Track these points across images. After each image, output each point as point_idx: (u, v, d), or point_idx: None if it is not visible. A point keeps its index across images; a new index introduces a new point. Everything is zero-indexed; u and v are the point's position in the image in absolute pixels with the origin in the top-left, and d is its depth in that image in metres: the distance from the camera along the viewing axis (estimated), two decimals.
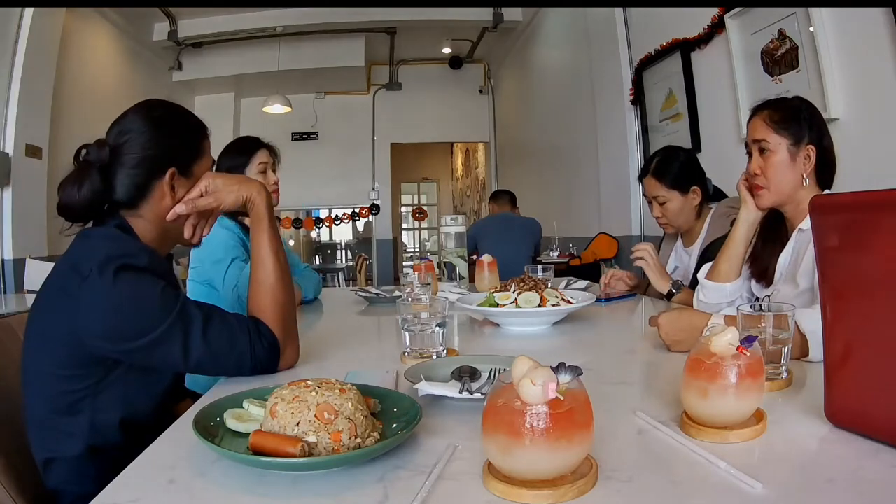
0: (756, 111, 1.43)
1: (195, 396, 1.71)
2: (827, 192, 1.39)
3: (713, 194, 2.10)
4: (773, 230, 1.48)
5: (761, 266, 1.47)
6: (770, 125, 1.38)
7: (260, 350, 1.07)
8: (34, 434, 1.06)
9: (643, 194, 2.16)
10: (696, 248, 2.04)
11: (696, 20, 3.20)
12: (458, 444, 0.71)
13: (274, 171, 2.04)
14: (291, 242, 8.78)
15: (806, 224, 1.36)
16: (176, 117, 1.14)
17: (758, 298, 1.47)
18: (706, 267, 1.56)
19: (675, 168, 2.04)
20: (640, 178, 2.13)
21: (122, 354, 1.00)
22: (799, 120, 1.37)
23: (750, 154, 1.44)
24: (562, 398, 0.56)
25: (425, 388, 0.86)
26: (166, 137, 1.08)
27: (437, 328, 1.17)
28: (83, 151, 1.07)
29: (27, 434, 1.07)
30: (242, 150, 2.01)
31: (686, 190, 2.02)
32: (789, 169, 1.37)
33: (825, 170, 1.39)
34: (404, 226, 12.56)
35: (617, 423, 0.78)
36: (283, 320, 1.12)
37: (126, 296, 0.97)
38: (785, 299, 1.24)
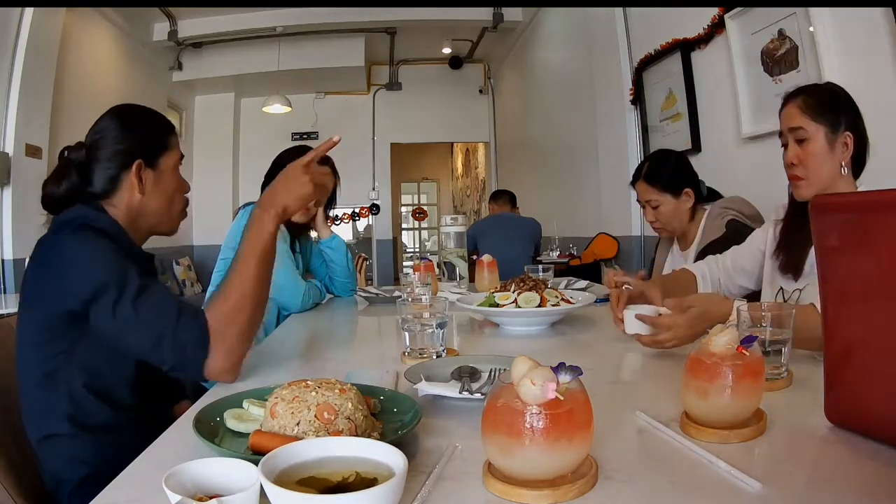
0: (789, 98, 1.39)
1: (197, 391, 1.73)
2: (859, 184, 1.36)
3: (707, 195, 2.10)
4: (804, 220, 1.42)
5: (791, 258, 1.41)
6: (806, 112, 1.33)
7: (184, 337, 1.00)
8: (27, 417, 1.11)
9: (636, 199, 2.16)
10: (693, 251, 2.04)
11: (696, 20, 3.20)
12: (458, 444, 0.71)
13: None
14: None
15: None
16: (142, 115, 1.25)
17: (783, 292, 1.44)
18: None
19: (667, 171, 2.04)
20: (632, 183, 2.13)
21: (79, 308, 1.04)
22: (835, 106, 1.33)
23: (784, 145, 1.40)
24: (562, 398, 0.56)
25: (425, 388, 0.86)
26: (133, 133, 1.19)
27: (437, 328, 1.17)
28: (65, 152, 1.19)
29: (24, 424, 1.11)
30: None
31: (678, 192, 2.02)
32: (828, 157, 1.33)
33: (860, 158, 1.35)
34: (404, 226, 12.55)
35: (617, 423, 0.78)
36: (227, 320, 1.03)
37: (80, 249, 1.04)
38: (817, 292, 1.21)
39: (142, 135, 1.20)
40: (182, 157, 1.27)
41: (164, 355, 1.01)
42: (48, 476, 1.10)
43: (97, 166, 1.17)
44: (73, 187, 1.16)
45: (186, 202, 1.30)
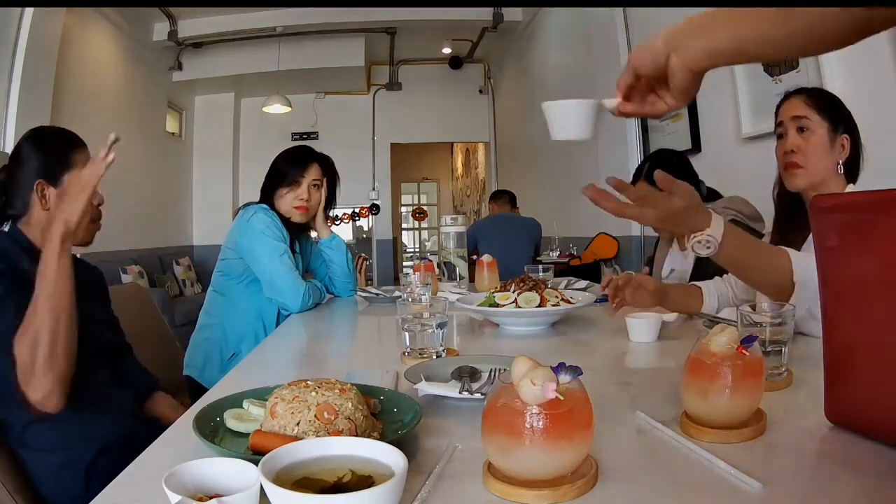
0: (792, 93, 1.41)
1: (197, 391, 1.73)
2: (851, 186, 1.38)
3: (707, 195, 2.10)
4: (793, 220, 1.44)
5: None
6: (811, 106, 1.36)
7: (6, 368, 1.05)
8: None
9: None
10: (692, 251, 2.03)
11: None
12: (458, 444, 0.71)
13: (316, 186, 2.10)
14: None
15: None
16: (48, 136, 1.32)
17: None
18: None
19: (667, 171, 2.04)
20: (633, 183, 2.13)
21: None
22: (836, 108, 1.37)
23: (780, 136, 1.41)
24: (562, 398, 0.56)
25: (425, 388, 0.86)
26: (37, 154, 1.27)
27: (437, 328, 1.17)
28: None
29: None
30: (295, 162, 2.09)
31: None
32: (828, 152, 1.35)
33: (854, 164, 1.38)
34: (404, 226, 12.55)
35: (617, 423, 0.78)
36: (30, 351, 1.05)
37: None
38: None
39: (44, 155, 1.28)
40: None
41: None
42: (31, 469, 1.15)
43: (13, 187, 1.27)
44: None
45: (98, 214, 1.35)
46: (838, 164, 1.35)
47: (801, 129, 1.37)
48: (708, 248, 1.08)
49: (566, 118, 0.90)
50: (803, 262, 1.13)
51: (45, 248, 1.10)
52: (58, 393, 1.07)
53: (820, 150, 1.35)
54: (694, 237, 1.08)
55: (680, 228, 1.11)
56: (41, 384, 1.05)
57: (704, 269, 1.77)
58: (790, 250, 1.18)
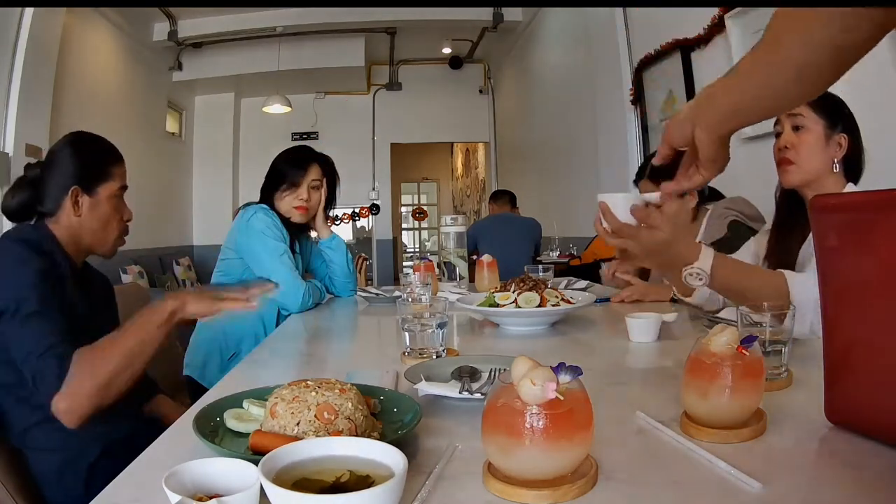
0: None
1: (197, 391, 1.73)
2: (851, 185, 1.38)
3: (709, 195, 2.10)
4: (793, 219, 1.43)
5: (781, 259, 1.41)
6: (808, 104, 1.35)
7: (44, 366, 1.05)
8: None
9: None
10: None
11: (696, 20, 3.20)
12: (458, 444, 0.71)
13: (316, 186, 2.10)
14: None
15: None
16: (91, 144, 1.35)
17: None
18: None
19: (671, 170, 2.04)
20: (636, 181, 2.13)
21: None
22: (835, 107, 1.36)
23: (777, 133, 1.41)
24: (562, 398, 0.56)
25: (425, 388, 0.86)
26: (77, 160, 1.30)
27: (437, 328, 1.17)
28: (26, 168, 1.33)
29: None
30: (295, 162, 2.09)
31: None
32: (822, 150, 1.35)
33: (854, 164, 1.38)
34: (404, 226, 12.56)
35: (617, 423, 0.78)
36: (90, 373, 1.07)
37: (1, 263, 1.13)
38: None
39: (85, 163, 1.30)
40: (125, 187, 1.37)
41: (25, 373, 1.07)
42: (32, 469, 1.16)
43: (46, 186, 1.28)
44: (24, 201, 1.29)
45: (125, 229, 1.39)
46: (834, 161, 1.35)
47: (796, 128, 1.37)
48: (699, 279, 1.09)
49: (614, 208, 1.05)
50: (801, 282, 1.13)
51: (151, 312, 1.14)
52: (84, 417, 1.06)
53: (813, 147, 1.35)
54: (685, 270, 1.10)
55: (671, 262, 1.11)
56: (79, 406, 1.05)
57: None
58: (787, 272, 1.18)
